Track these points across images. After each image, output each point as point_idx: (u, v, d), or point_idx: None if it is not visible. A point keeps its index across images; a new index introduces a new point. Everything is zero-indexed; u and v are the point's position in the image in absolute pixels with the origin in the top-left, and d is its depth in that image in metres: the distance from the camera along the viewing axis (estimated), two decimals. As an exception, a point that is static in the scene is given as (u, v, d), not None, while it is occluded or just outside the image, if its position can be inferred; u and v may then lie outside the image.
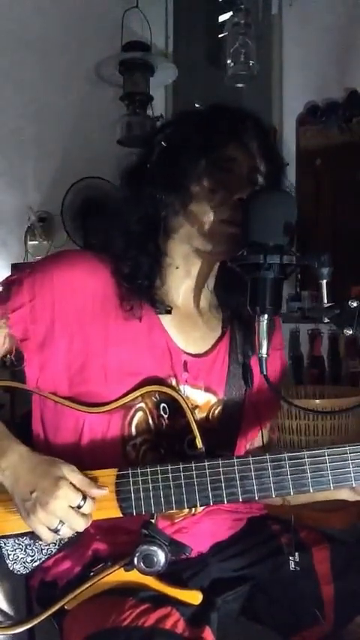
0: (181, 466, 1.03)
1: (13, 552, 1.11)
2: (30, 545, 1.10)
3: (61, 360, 1.11)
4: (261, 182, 1.15)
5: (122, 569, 1.05)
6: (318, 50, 2.56)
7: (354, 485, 1.01)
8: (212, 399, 1.20)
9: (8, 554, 1.10)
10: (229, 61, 2.57)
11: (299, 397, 2.17)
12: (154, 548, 1.02)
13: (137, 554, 1.02)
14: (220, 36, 2.68)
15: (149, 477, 1.03)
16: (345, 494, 1.10)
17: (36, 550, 1.11)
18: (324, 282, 1.01)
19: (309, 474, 1.01)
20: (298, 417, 1.93)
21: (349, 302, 1.00)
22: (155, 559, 1.02)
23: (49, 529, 1.01)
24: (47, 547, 1.10)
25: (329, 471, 1.01)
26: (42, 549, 1.11)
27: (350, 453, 1.01)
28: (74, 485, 1.01)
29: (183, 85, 2.90)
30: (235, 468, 1.02)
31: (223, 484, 1.02)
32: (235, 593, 1.17)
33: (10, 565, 1.11)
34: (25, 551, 1.11)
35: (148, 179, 1.15)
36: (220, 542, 1.20)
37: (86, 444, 1.11)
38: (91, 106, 2.90)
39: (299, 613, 1.15)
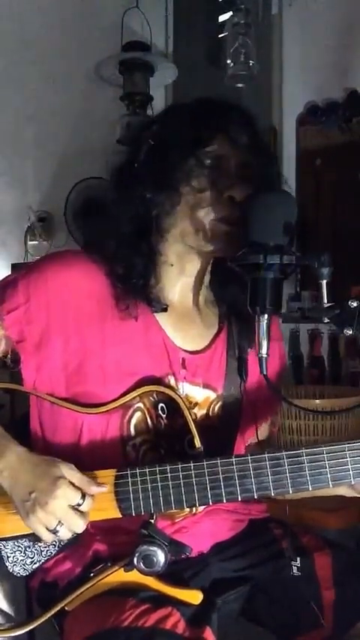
0: (179, 466, 1.03)
1: (13, 554, 1.10)
2: (29, 547, 1.10)
3: (58, 360, 1.11)
4: (251, 176, 1.14)
5: (122, 569, 1.05)
6: (318, 50, 2.56)
7: (353, 482, 1.01)
8: (211, 395, 1.19)
9: (8, 557, 1.10)
10: (229, 61, 2.56)
11: (299, 397, 2.17)
12: (154, 548, 1.02)
13: (137, 555, 1.02)
14: (220, 36, 2.68)
15: (148, 477, 1.03)
16: (343, 490, 1.10)
17: (35, 552, 1.11)
18: (324, 282, 1.01)
19: (307, 472, 1.01)
20: (298, 417, 1.93)
21: (349, 302, 1.00)
22: (155, 559, 1.02)
23: (48, 529, 1.01)
24: (47, 549, 1.10)
25: (328, 469, 1.01)
26: (41, 551, 1.11)
27: (348, 451, 1.01)
28: (73, 484, 1.01)
29: (183, 85, 2.90)
30: (234, 467, 1.02)
31: (222, 483, 1.02)
32: (235, 593, 1.17)
33: (9, 567, 1.10)
34: (24, 553, 1.10)
35: (137, 179, 1.13)
36: (220, 542, 1.20)
37: (85, 444, 1.11)
38: (91, 106, 2.90)
39: (299, 616, 1.15)
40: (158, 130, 1.17)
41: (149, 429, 1.13)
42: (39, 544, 1.09)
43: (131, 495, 1.04)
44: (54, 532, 1.01)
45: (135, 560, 1.02)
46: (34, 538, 1.04)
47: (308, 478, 1.01)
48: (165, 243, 1.16)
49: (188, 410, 1.09)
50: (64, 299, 1.10)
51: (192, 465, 1.03)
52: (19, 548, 1.10)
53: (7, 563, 1.10)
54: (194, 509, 1.11)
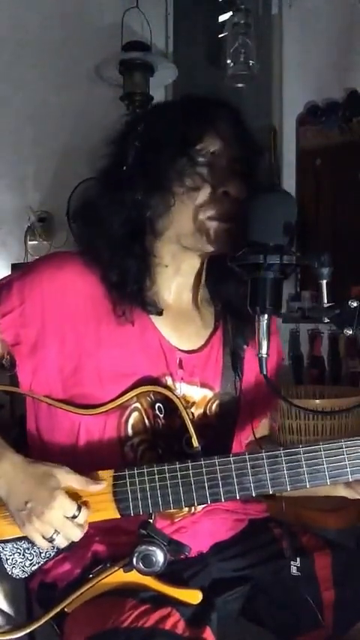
0: (177, 465, 1.03)
1: (12, 556, 1.10)
2: (28, 549, 1.10)
3: (54, 362, 1.10)
4: (243, 171, 1.13)
5: (121, 570, 1.04)
6: (318, 50, 2.56)
7: (350, 479, 1.01)
8: (209, 394, 1.19)
9: (7, 559, 1.10)
10: (229, 61, 2.56)
11: (299, 397, 2.17)
12: (153, 548, 1.02)
13: (136, 555, 1.02)
14: (220, 36, 2.67)
15: (146, 477, 1.03)
16: (344, 492, 1.10)
17: (34, 554, 1.10)
18: (324, 282, 1.01)
19: (305, 469, 1.01)
20: (298, 417, 1.93)
21: (349, 302, 1.00)
22: (154, 559, 1.02)
23: (45, 538, 1.01)
24: (46, 550, 1.10)
25: (325, 466, 1.01)
26: (40, 553, 1.10)
27: (345, 448, 1.01)
28: (70, 495, 1.01)
29: (183, 85, 2.90)
30: (232, 465, 1.02)
31: (220, 482, 1.02)
32: (235, 593, 1.17)
33: (8, 569, 1.10)
34: (23, 555, 1.10)
35: (127, 182, 1.12)
36: (220, 542, 1.20)
37: (83, 445, 1.11)
38: (91, 106, 2.89)
39: (299, 616, 1.15)
40: (145, 131, 1.15)
41: (147, 429, 1.13)
42: (37, 546, 1.08)
43: (130, 496, 1.04)
44: (50, 540, 1.01)
45: (134, 560, 1.02)
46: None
47: (306, 475, 1.01)
48: (159, 244, 1.15)
49: (185, 409, 1.09)
50: (59, 301, 1.10)
51: (190, 464, 1.03)
52: (18, 550, 1.10)
53: (6, 565, 1.10)
54: (193, 508, 1.11)
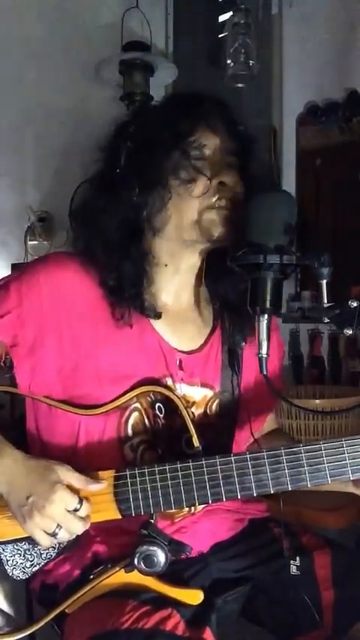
0: (178, 465, 1.03)
1: (12, 558, 1.10)
2: (29, 550, 1.10)
3: (53, 363, 1.10)
4: (236, 162, 1.14)
5: (122, 570, 1.04)
6: (318, 50, 2.56)
7: (351, 478, 1.01)
8: (209, 393, 1.19)
9: (7, 560, 1.10)
10: (229, 61, 2.56)
11: (299, 397, 2.17)
12: (154, 548, 1.02)
13: (137, 555, 1.02)
14: (220, 36, 2.67)
15: (147, 477, 1.03)
16: (353, 489, 1.10)
17: (35, 555, 1.10)
18: (324, 282, 1.01)
19: (306, 468, 1.01)
20: (298, 417, 1.93)
21: (349, 302, 1.00)
22: (155, 559, 1.02)
23: (47, 533, 1.00)
24: (46, 551, 1.10)
25: (326, 465, 1.01)
26: (41, 554, 1.10)
27: (346, 447, 1.01)
28: (71, 489, 1.01)
29: (183, 85, 2.90)
30: (233, 465, 1.02)
31: (221, 481, 1.02)
32: (235, 593, 1.17)
33: (9, 571, 1.10)
34: (24, 556, 1.10)
35: (121, 183, 1.12)
36: (220, 542, 1.20)
37: (83, 446, 1.11)
38: (91, 106, 2.89)
39: (299, 616, 1.15)
40: (136, 130, 1.15)
41: (147, 430, 1.13)
42: (38, 547, 1.08)
43: (130, 496, 1.04)
44: (53, 535, 1.00)
45: (135, 560, 1.02)
46: (33, 541, 1.04)
47: (307, 475, 1.01)
48: (158, 243, 1.15)
49: (186, 409, 1.09)
50: (57, 302, 1.10)
51: (191, 464, 1.03)
52: (19, 552, 1.10)
53: (6, 567, 1.10)
54: (193, 508, 1.11)
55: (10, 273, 1.21)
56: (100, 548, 1.10)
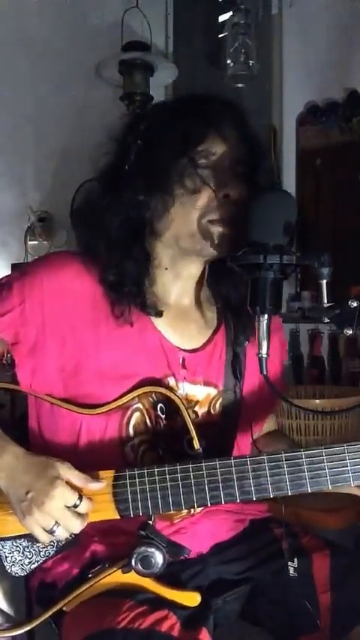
0: (178, 467, 1.03)
1: (11, 555, 1.10)
2: (27, 548, 1.10)
3: (54, 362, 1.10)
4: (245, 173, 1.12)
5: (120, 570, 1.04)
6: (318, 50, 2.56)
7: (352, 485, 1.01)
8: (212, 392, 1.19)
9: (6, 557, 1.10)
10: (229, 61, 2.56)
11: (299, 397, 2.17)
12: (152, 549, 1.02)
13: (135, 556, 1.02)
14: (220, 36, 2.67)
15: (146, 479, 1.03)
16: (354, 490, 1.09)
17: (34, 552, 1.10)
18: (324, 282, 1.01)
19: (306, 474, 1.01)
20: (298, 417, 1.93)
21: (349, 302, 1.00)
22: (153, 560, 1.02)
23: (45, 530, 1.00)
24: (45, 549, 1.10)
25: (327, 471, 1.00)
26: (40, 551, 1.10)
27: (348, 453, 1.00)
28: (70, 485, 1.01)
29: (183, 85, 2.90)
30: (233, 468, 1.02)
31: (220, 485, 1.02)
32: (235, 593, 1.17)
33: (7, 567, 1.10)
34: (22, 553, 1.10)
35: (127, 182, 1.11)
36: (220, 543, 1.20)
37: (84, 445, 1.11)
38: (91, 106, 2.89)
39: (298, 618, 1.14)
40: (147, 130, 1.13)
41: (148, 430, 1.12)
42: (37, 544, 1.09)
43: (129, 496, 1.03)
44: (51, 532, 1.00)
45: (133, 561, 1.02)
46: (32, 538, 1.04)
47: (307, 480, 1.01)
48: (159, 246, 1.15)
49: (187, 410, 1.09)
50: (59, 300, 1.10)
51: (191, 466, 1.03)
52: (18, 549, 1.10)
53: (5, 563, 1.10)
54: (192, 510, 1.11)
55: (10, 273, 1.21)
56: (98, 548, 1.10)
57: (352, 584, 1.14)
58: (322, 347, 2.49)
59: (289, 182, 2.58)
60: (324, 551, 1.19)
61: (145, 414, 1.12)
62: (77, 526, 1.01)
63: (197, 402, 1.17)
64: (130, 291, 1.11)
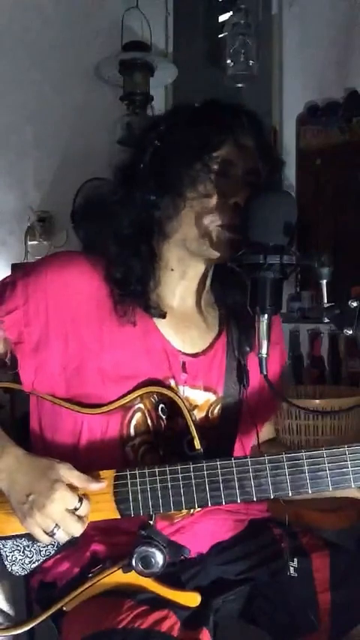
0: (179, 467, 1.03)
1: (12, 554, 1.10)
2: (28, 547, 1.10)
3: (57, 362, 1.10)
4: (257, 183, 1.13)
5: (120, 570, 1.04)
6: (318, 50, 2.56)
7: (352, 486, 1.01)
8: (211, 397, 1.19)
9: (6, 556, 1.10)
10: (229, 61, 2.56)
11: (299, 397, 2.16)
12: (152, 549, 1.02)
13: (135, 556, 1.02)
14: (220, 36, 2.67)
15: (147, 478, 1.03)
16: (355, 492, 1.09)
17: (34, 551, 1.11)
18: (324, 282, 1.01)
19: (307, 475, 1.01)
20: (298, 417, 1.93)
21: (349, 302, 1.00)
22: (153, 560, 1.02)
23: (45, 532, 1.01)
24: (45, 548, 1.10)
25: (328, 472, 1.00)
26: (40, 551, 1.10)
27: (349, 454, 1.00)
28: (71, 487, 1.01)
29: (183, 85, 2.90)
30: (234, 469, 1.02)
31: (221, 485, 1.02)
32: (235, 593, 1.17)
33: (8, 566, 1.11)
34: (23, 552, 1.10)
35: (141, 180, 1.12)
36: (219, 542, 1.20)
37: (85, 445, 1.11)
38: (91, 106, 2.89)
39: (297, 619, 1.15)
40: (165, 132, 1.15)
41: (149, 430, 1.13)
42: (38, 543, 1.09)
43: (130, 496, 1.03)
44: (51, 534, 1.01)
45: (133, 561, 1.02)
46: (33, 537, 1.04)
47: (308, 481, 1.01)
48: (166, 247, 1.15)
49: (189, 411, 1.09)
50: (63, 300, 1.10)
51: (191, 466, 1.03)
52: (18, 548, 1.10)
53: (5, 562, 1.10)
54: (192, 509, 1.11)
55: (10, 273, 1.21)
56: (98, 548, 1.10)
57: (352, 584, 1.14)
58: (322, 347, 2.49)
59: (289, 182, 2.57)
60: (324, 551, 1.19)
61: (147, 414, 1.13)
62: (77, 529, 1.01)
63: (196, 406, 1.17)
64: (134, 289, 1.11)
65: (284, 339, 2.44)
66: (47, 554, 1.11)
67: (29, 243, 2.93)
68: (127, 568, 1.03)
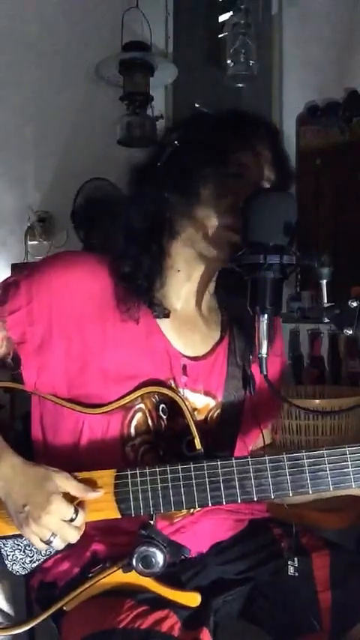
0: (179, 467, 1.03)
1: (12, 553, 1.10)
2: (29, 546, 1.10)
3: (60, 363, 1.10)
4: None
5: (121, 570, 1.04)
6: (318, 50, 2.56)
7: (353, 486, 1.01)
8: (211, 402, 1.19)
9: (7, 555, 1.11)
10: (229, 61, 2.56)
11: (299, 397, 2.16)
12: (153, 549, 1.02)
13: (135, 556, 1.02)
14: (220, 36, 2.67)
15: (148, 478, 1.03)
16: (355, 491, 1.09)
17: (35, 551, 1.11)
18: (324, 282, 1.01)
19: (308, 475, 1.01)
20: (298, 417, 1.93)
21: (349, 302, 1.00)
22: (154, 560, 1.02)
23: (42, 540, 1.01)
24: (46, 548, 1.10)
25: (328, 472, 1.00)
26: (40, 550, 1.10)
27: (349, 454, 1.00)
28: (67, 497, 1.01)
29: (183, 85, 2.90)
30: (234, 469, 1.02)
31: (221, 485, 1.02)
32: (235, 593, 1.17)
33: (9, 566, 1.11)
34: (24, 552, 1.10)
35: (156, 178, 1.13)
36: (220, 542, 1.20)
37: (85, 444, 1.11)
38: (91, 106, 2.89)
39: (298, 618, 1.14)
40: (184, 133, 1.16)
41: (149, 431, 1.13)
42: (36, 546, 1.09)
43: (131, 496, 1.03)
44: (47, 543, 1.01)
45: (134, 561, 1.02)
46: None
47: (309, 481, 1.01)
48: (175, 246, 1.16)
49: (190, 412, 1.09)
50: (66, 301, 1.10)
51: (192, 466, 1.03)
52: (19, 547, 1.10)
53: (6, 562, 1.11)
54: (192, 509, 1.11)
55: (10, 273, 1.21)
56: (99, 547, 1.10)
57: (353, 583, 1.14)
58: (322, 347, 2.49)
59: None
60: (324, 550, 1.19)
61: (147, 414, 1.13)
62: (74, 536, 1.02)
63: (195, 409, 1.17)
64: (141, 285, 1.12)
65: (284, 339, 2.45)
66: (48, 553, 1.11)
67: (29, 243, 2.94)
68: (128, 568, 1.03)
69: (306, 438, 1.94)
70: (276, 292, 1.02)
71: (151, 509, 1.03)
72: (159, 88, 2.90)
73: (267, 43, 2.68)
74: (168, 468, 1.03)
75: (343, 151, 2.50)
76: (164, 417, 1.13)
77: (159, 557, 1.02)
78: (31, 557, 1.11)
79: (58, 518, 1.00)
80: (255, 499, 1.02)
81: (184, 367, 1.16)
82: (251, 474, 1.02)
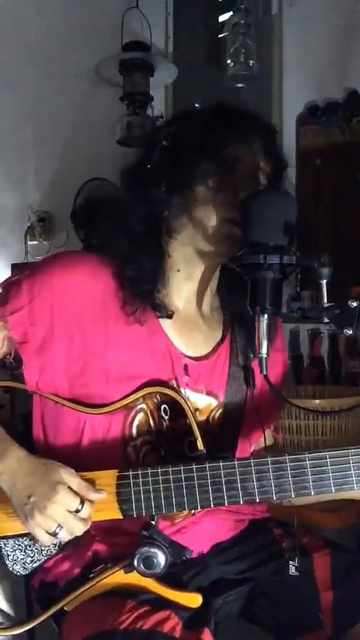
0: (181, 468, 1.03)
1: (13, 553, 1.10)
2: (30, 546, 1.10)
3: (61, 363, 1.10)
4: (264, 182, 1.14)
5: (122, 570, 1.04)
6: (318, 50, 2.56)
7: (355, 488, 1.01)
8: (213, 402, 1.19)
9: (8, 555, 1.10)
10: (229, 61, 2.56)
11: (299, 397, 2.16)
12: (154, 550, 1.02)
13: (137, 556, 1.02)
14: (220, 36, 2.68)
15: (150, 479, 1.03)
16: (357, 493, 1.09)
17: (36, 551, 1.11)
18: (324, 282, 1.01)
19: (310, 477, 1.00)
20: (298, 417, 1.93)
21: (349, 302, 1.00)
22: (155, 561, 1.01)
23: (48, 533, 1.01)
24: (47, 548, 1.10)
25: (331, 474, 1.00)
26: (41, 550, 1.11)
27: (352, 456, 1.00)
28: (72, 489, 1.01)
29: (183, 85, 2.90)
30: (237, 470, 1.02)
31: (224, 486, 1.02)
32: (235, 593, 1.17)
33: (9, 565, 1.11)
34: (24, 552, 1.10)
35: (150, 178, 1.13)
36: (220, 542, 1.20)
37: (87, 444, 1.11)
38: (91, 106, 2.89)
39: (299, 617, 1.15)
40: (174, 131, 1.16)
41: (151, 431, 1.12)
42: (39, 543, 1.08)
43: (133, 496, 1.03)
44: (53, 535, 1.01)
45: (135, 561, 1.02)
46: (34, 537, 1.04)
47: (311, 483, 1.00)
48: (174, 246, 1.16)
49: (192, 412, 1.09)
50: (68, 300, 1.10)
51: (194, 466, 1.03)
52: (20, 547, 1.10)
53: (7, 562, 1.11)
54: (194, 510, 1.11)
55: (10, 273, 1.21)
56: (100, 548, 1.10)
57: (353, 583, 1.14)
58: (322, 347, 2.49)
59: (289, 182, 2.57)
60: (324, 550, 1.19)
61: (149, 414, 1.13)
62: (80, 528, 1.01)
63: (197, 409, 1.17)
64: (144, 289, 1.12)
65: (284, 339, 2.45)
66: (49, 553, 1.11)
67: (29, 243, 2.94)
68: (129, 568, 1.03)
69: (306, 438, 1.94)
70: (276, 292, 1.02)
71: (153, 510, 1.03)
72: (159, 88, 2.90)
73: (267, 43, 2.68)
74: (170, 469, 1.03)
75: (343, 151, 2.50)
76: (166, 417, 1.13)
77: (161, 558, 1.02)
78: (32, 557, 1.11)
79: (64, 509, 1.00)
80: (257, 500, 1.02)
81: (186, 367, 1.16)
82: (253, 476, 1.01)
